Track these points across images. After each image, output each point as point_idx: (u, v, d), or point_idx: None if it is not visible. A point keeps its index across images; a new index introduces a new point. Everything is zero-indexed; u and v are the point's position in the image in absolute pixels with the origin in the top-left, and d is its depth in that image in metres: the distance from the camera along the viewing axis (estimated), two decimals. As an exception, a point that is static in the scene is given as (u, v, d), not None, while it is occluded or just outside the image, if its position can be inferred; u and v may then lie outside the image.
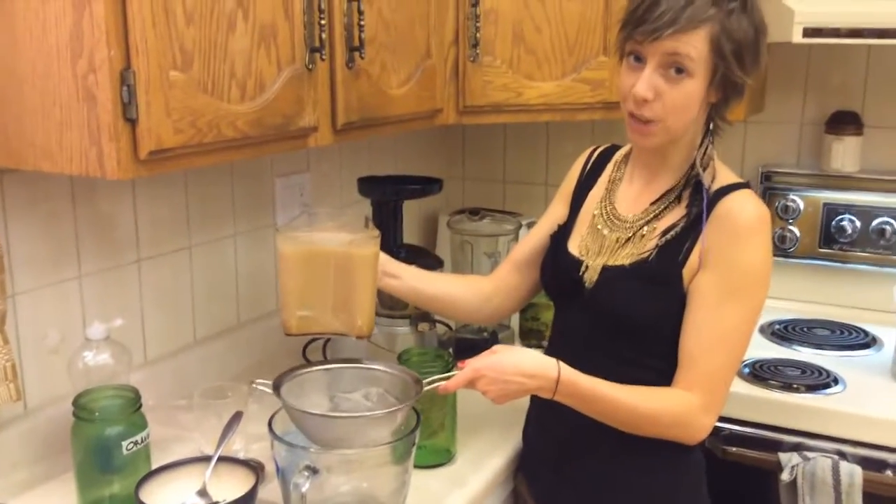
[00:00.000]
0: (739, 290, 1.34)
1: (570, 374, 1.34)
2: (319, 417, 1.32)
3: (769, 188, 2.32)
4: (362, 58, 1.56)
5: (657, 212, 1.42)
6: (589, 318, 1.45)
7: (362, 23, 1.54)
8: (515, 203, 2.61)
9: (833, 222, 2.25)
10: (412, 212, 2.54)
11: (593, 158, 1.61)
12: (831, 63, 2.29)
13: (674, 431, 1.37)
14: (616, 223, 1.46)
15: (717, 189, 1.37)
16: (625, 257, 1.42)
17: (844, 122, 2.25)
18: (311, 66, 1.46)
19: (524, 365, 1.34)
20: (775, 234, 2.30)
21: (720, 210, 1.35)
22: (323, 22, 1.45)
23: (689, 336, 1.36)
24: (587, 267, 1.45)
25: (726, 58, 1.30)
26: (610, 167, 1.56)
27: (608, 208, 1.49)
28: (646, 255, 1.39)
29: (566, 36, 1.93)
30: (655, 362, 1.40)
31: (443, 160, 2.74)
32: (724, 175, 1.40)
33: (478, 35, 1.89)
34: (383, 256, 1.54)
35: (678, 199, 1.41)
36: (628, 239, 1.43)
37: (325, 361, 1.46)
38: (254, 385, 1.36)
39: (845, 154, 2.24)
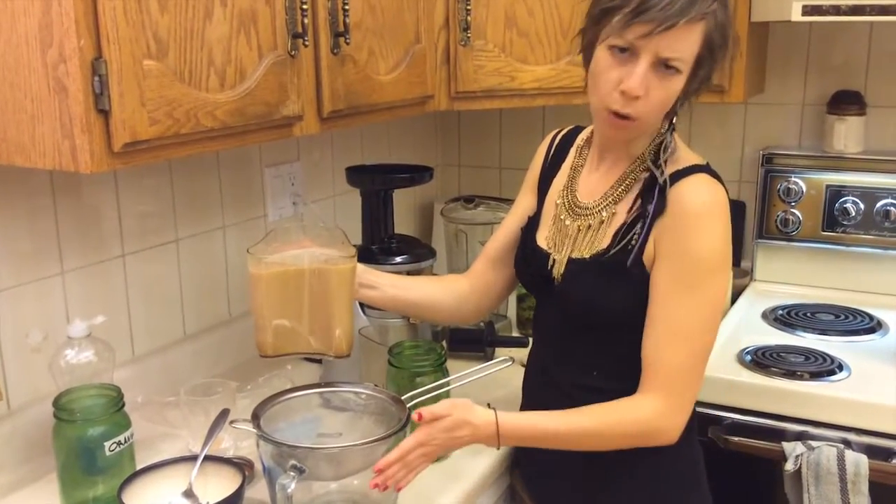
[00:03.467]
0: (691, 281, 1.27)
1: (507, 418, 1.30)
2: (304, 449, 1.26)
3: (770, 171, 2.27)
4: (348, 43, 1.52)
5: (615, 196, 1.37)
6: (560, 311, 1.42)
7: (347, 7, 1.50)
8: (512, 190, 2.53)
9: (836, 204, 2.20)
10: (407, 201, 2.51)
11: (556, 143, 1.56)
12: (832, 41, 2.24)
13: (640, 441, 1.32)
14: (577, 211, 1.42)
15: (671, 174, 1.31)
16: (586, 249, 1.37)
17: (847, 101, 2.20)
18: (293, 53, 1.42)
19: (468, 416, 1.29)
20: (777, 217, 2.26)
21: (671, 198, 1.29)
22: (305, 6, 1.41)
23: (646, 335, 1.31)
24: (554, 261, 1.41)
25: (714, 53, 1.26)
26: (572, 153, 1.51)
27: (569, 197, 1.44)
28: (605, 245, 1.35)
29: (560, 18, 1.88)
30: (631, 351, 1.34)
31: (437, 147, 2.70)
32: (682, 157, 1.35)
33: (469, 18, 1.84)
34: (360, 266, 1.50)
35: (635, 184, 1.36)
36: (589, 227, 1.39)
37: (304, 387, 1.42)
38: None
39: (848, 134, 2.19)
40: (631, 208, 1.34)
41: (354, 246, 1.44)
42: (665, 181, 1.30)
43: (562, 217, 1.44)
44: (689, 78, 1.27)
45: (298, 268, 1.39)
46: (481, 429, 1.30)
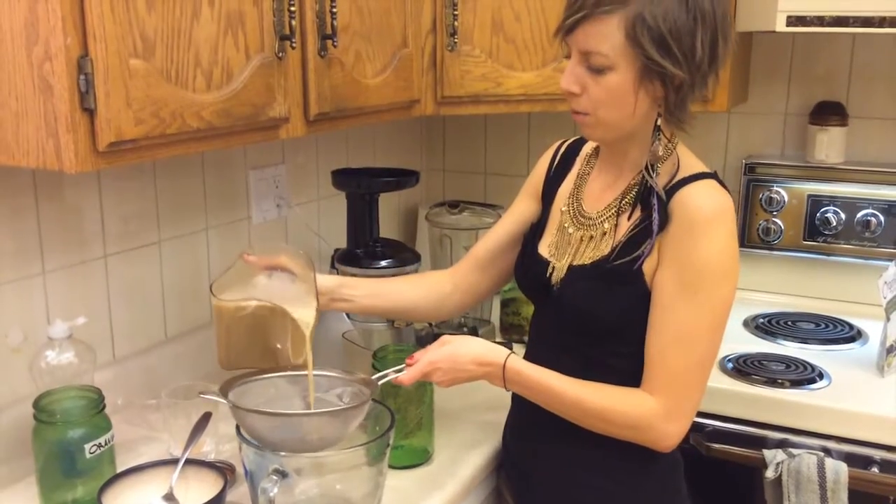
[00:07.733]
0: (696, 287, 1.26)
1: (515, 362, 1.34)
2: (276, 418, 1.25)
3: (753, 180, 2.29)
4: (335, 46, 1.52)
5: (619, 208, 1.37)
6: (557, 318, 1.41)
7: (334, 9, 1.49)
8: (497, 195, 2.57)
9: (818, 214, 2.22)
10: (392, 205, 2.50)
11: (561, 152, 1.56)
12: (816, 52, 2.26)
13: (630, 434, 1.32)
14: (581, 220, 1.41)
15: (677, 181, 1.31)
16: (588, 256, 1.37)
17: (829, 112, 2.22)
18: (281, 55, 1.41)
19: (477, 353, 1.36)
20: (759, 226, 2.27)
21: (676, 203, 1.28)
22: (293, 8, 1.41)
23: (650, 337, 1.31)
24: (554, 268, 1.41)
25: (644, 47, 1.21)
26: (579, 162, 1.51)
27: (575, 205, 1.44)
28: (607, 253, 1.35)
29: (546, 24, 1.88)
30: (623, 363, 1.34)
31: (423, 152, 2.69)
32: (688, 165, 1.34)
33: (456, 23, 1.84)
34: (334, 281, 1.50)
35: (638, 196, 1.35)
36: (591, 237, 1.38)
37: (275, 369, 1.40)
38: (201, 395, 1.32)
39: (830, 145, 2.21)
40: (635, 219, 1.33)
41: (336, 250, 1.43)
42: (657, 188, 1.29)
43: (566, 225, 1.43)
44: (638, 75, 1.24)
45: (259, 307, 1.38)
46: (487, 360, 1.35)
